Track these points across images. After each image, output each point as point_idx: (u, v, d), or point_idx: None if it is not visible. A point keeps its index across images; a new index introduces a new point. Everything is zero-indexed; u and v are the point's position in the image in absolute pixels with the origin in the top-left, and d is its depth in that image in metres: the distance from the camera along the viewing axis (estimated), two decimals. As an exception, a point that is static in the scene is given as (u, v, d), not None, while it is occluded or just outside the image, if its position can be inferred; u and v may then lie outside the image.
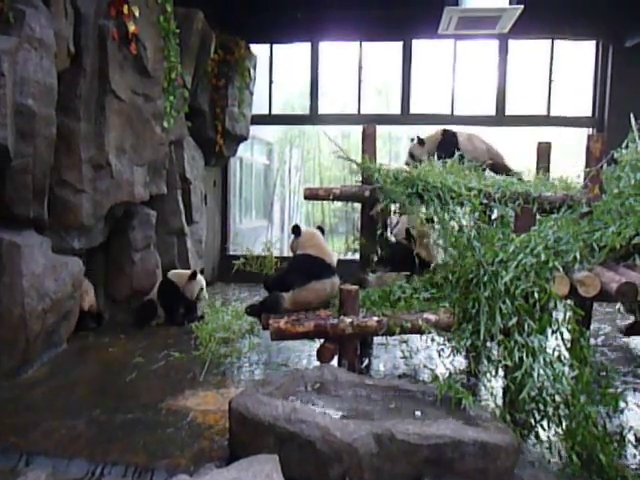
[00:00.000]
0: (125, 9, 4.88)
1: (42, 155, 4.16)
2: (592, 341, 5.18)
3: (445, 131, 5.38)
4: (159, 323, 5.74)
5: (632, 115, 4.66)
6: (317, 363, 3.76)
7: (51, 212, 4.52)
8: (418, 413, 2.92)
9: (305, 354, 4.92)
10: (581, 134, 8.46)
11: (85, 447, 3.10)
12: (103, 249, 5.64)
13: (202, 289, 5.78)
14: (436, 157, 5.11)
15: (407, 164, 5.29)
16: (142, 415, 3.51)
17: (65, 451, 3.05)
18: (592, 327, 5.13)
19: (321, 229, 4.50)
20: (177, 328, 5.63)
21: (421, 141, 5.33)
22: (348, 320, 3.69)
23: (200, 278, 5.83)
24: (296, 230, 4.34)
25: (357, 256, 5.26)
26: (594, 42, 8.33)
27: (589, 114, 8.45)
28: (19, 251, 4.00)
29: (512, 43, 8.37)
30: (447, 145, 5.09)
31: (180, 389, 3.96)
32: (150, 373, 4.33)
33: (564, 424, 2.98)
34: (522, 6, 6.50)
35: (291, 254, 4.46)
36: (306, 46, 8.77)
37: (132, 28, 4.97)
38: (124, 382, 4.11)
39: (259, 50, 8.45)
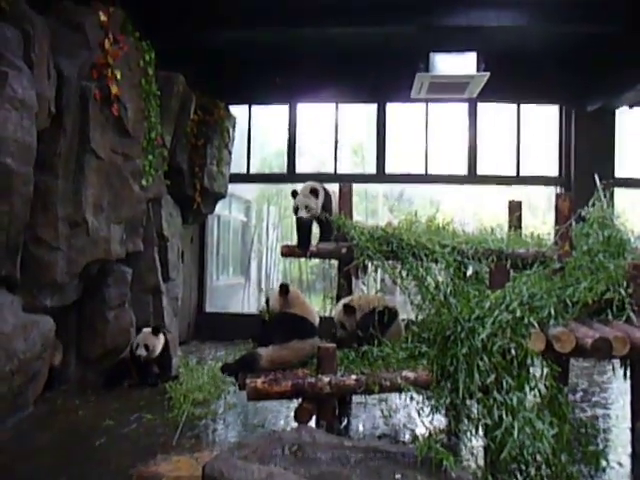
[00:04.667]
0: (108, 72, 5.01)
1: (18, 213, 4.14)
2: (570, 397, 5.18)
3: (324, 187, 4.94)
4: (131, 384, 5.56)
5: (596, 175, 4.87)
6: (295, 424, 3.67)
7: (24, 270, 4.45)
8: (398, 476, 2.84)
9: (282, 414, 4.80)
10: (549, 193, 8.77)
11: (48, 519, 2.93)
12: (76, 307, 5.52)
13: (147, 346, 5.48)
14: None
15: (300, 218, 4.67)
16: (111, 483, 3.35)
17: (27, 524, 2.88)
18: (570, 382, 5.14)
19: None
20: (150, 389, 5.46)
21: (315, 191, 4.75)
22: (326, 379, 3.64)
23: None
24: (284, 288, 4.30)
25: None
26: (557, 107, 8.79)
27: (556, 174, 8.80)
28: (-12, 310, 3.90)
29: (481, 106, 8.77)
30: (329, 201, 5.05)
31: (152, 454, 3.80)
32: (121, 437, 4.16)
33: (547, 485, 2.93)
34: (488, 73, 6.87)
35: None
36: (284, 107, 9.05)
37: (114, 90, 5.08)
38: (93, 447, 3.94)
39: (238, 111, 8.68)
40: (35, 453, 3.81)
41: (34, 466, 3.60)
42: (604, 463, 3.32)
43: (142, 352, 5.43)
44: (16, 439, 4.06)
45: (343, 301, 4.43)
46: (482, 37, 6.89)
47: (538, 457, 2.96)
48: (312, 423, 3.65)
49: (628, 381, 4.09)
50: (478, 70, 6.87)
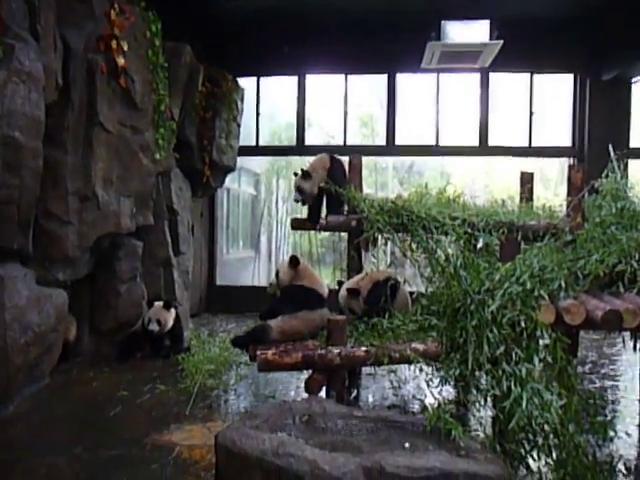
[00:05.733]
0: (114, 44, 4.95)
1: (28, 186, 4.15)
2: (579, 369, 5.19)
3: (332, 157, 4.96)
4: (144, 356, 5.65)
5: (611, 146, 4.78)
6: (305, 394, 3.72)
7: (36, 244, 4.49)
8: (407, 445, 2.88)
9: (293, 385, 4.87)
10: (562, 164, 8.64)
11: (66, 485, 3.02)
12: (88, 280, 5.58)
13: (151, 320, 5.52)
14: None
15: (296, 200, 4.84)
16: (126, 451, 3.43)
17: (46, 490, 2.97)
18: (579, 355, 5.14)
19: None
20: (163, 360, 5.55)
21: (307, 174, 4.78)
22: (336, 350, 3.67)
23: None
24: (294, 261, 4.32)
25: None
26: (572, 75, 8.58)
27: (569, 144, 8.65)
28: (2, 283, 3.95)
29: (493, 76, 8.59)
30: (337, 171, 4.98)
31: (165, 423, 3.88)
32: (135, 407, 4.24)
33: (554, 454, 2.96)
34: (502, 41, 6.71)
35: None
36: (293, 79, 8.92)
37: (121, 62, 5.03)
38: (108, 417, 4.03)
39: (246, 83, 8.58)
40: (51, 422, 3.91)
41: (51, 435, 3.69)
42: (612, 433, 3.32)
43: (155, 327, 5.49)
44: (34, 408, 4.16)
45: (345, 285, 4.43)
46: (495, 4, 6.72)
47: (546, 427, 2.98)
48: (322, 394, 3.71)
49: (638, 353, 4.08)
50: (491, 38, 6.73)
